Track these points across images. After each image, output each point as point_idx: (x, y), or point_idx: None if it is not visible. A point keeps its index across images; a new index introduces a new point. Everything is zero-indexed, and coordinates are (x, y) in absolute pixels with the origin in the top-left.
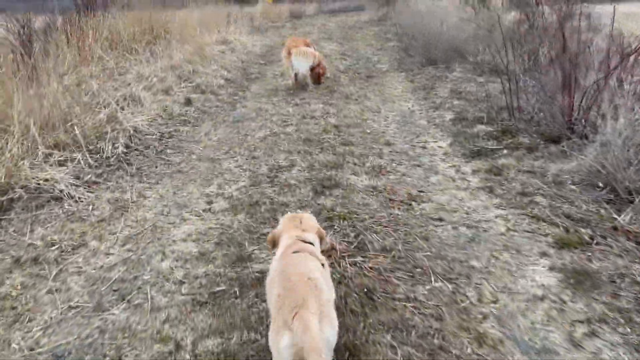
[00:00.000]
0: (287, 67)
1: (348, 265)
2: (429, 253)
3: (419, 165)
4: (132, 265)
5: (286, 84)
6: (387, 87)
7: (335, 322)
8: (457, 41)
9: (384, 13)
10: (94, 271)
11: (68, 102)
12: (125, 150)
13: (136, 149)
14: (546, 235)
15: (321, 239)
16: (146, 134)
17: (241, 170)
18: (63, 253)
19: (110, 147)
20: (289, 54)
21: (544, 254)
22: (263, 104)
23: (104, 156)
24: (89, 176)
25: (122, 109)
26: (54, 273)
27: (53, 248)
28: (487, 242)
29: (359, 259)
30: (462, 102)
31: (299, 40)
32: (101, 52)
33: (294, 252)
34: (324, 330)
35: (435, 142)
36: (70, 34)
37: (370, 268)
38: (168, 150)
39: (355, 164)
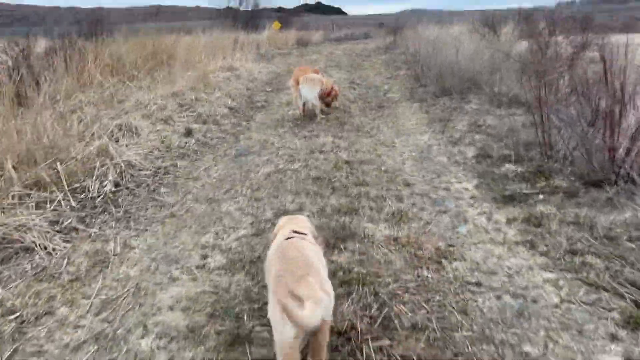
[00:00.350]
0: (295, 97)
1: (373, 354)
2: (470, 333)
3: (444, 212)
4: (106, 342)
5: (293, 113)
6: (400, 118)
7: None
8: (472, 71)
9: (391, 41)
10: (57, 351)
11: (55, 133)
12: (114, 189)
13: (127, 187)
14: (611, 309)
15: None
16: (140, 170)
17: (242, 215)
18: (23, 325)
19: (97, 186)
20: (297, 82)
21: (613, 337)
22: (268, 136)
23: (89, 196)
24: (69, 221)
25: (117, 140)
26: (5, 356)
27: (12, 317)
28: (540, 317)
29: (385, 342)
30: (483, 137)
31: (307, 69)
32: (100, 78)
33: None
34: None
35: (460, 183)
36: (70, 59)
37: (402, 358)
38: (162, 189)
39: (371, 209)
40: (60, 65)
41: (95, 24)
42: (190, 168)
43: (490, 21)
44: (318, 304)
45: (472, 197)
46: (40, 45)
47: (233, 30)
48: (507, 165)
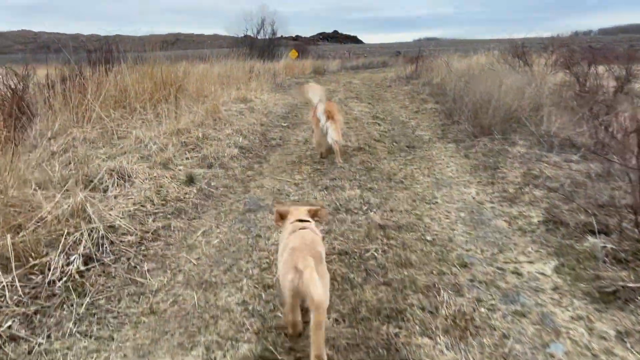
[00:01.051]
0: (318, 141)
1: None
2: None
3: (523, 315)
4: None
5: (312, 154)
6: (436, 162)
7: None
8: (513, 106)
9: (412, 70)
10: None
11: (25, 183)
12: (82, 268)
13: (101, 262)
14: None
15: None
16: (123, 234)
17: (245, 314)
18: None
19: (61, 263)
20: (318, 119)
21: None
22: (283, 184)
23: (48, 280)
24: (9, 324)
25: (105, 189)
26: None
27: None
28: None
29: None
30: (545, 193)
31: (332, 104)
32: (100, 112)
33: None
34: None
35: (532, 263)
36: (71, 90)
37: None
38: (146, 265)
39: (423, 309)
40: (58, 97)
41: (106, 51)
42: (187, 231)
43: (520, 51)
44: (313, 271)
45: (555, 289)
46: (41, 74)
47: (250, 58)
48: (590, 239)
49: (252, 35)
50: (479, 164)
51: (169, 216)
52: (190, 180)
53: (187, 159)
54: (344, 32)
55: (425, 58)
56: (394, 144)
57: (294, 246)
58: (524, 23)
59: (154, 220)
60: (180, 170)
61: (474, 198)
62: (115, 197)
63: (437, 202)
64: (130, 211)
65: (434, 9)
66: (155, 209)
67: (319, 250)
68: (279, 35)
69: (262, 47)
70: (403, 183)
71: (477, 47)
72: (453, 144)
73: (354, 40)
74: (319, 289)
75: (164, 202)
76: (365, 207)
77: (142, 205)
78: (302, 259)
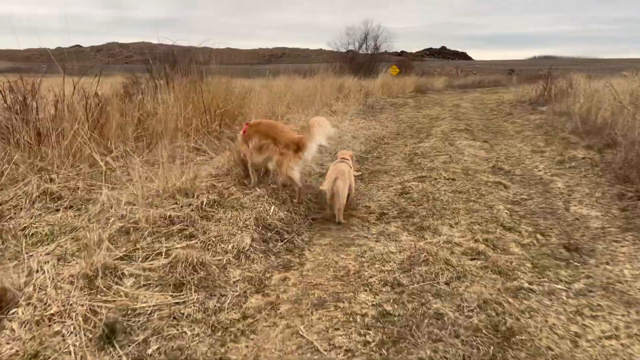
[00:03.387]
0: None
1: None
2: None
3: None
4: None
5: (386, 252)
6: (633, 288)
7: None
8: None
9: (541, 92)
10: None
11: None
12: None
13: None
14: None
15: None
16: None
17: None
18: None
19: None
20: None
21: None
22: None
23: None
24: None
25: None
26: None
27: None
28: None
29: None
30: None
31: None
32: (94, 148)
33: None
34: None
35: None
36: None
37: None
38: None
39: None
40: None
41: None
42: None
43: None
44: (340, 180)
45: None
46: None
47: (346, 74)
48: None
49: (354, 49)
50: None
51: None
52: (110, 335)
53: (149, 269)
54: (452, 48)
55: (557, 77)
56: (540, 238)
57: (333, 169)
58: None
59: None
60: (117, 298)
61: None
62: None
63: None
64: None
65: (551, 26)
66: None
67: (345, 173)
68: (382, 50)
69: (363, 62)
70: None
71: (604, 67)
72: None
73: (463, 56)
74: (340, 190)
75: None
76: None
77: None
78: (335, 175)
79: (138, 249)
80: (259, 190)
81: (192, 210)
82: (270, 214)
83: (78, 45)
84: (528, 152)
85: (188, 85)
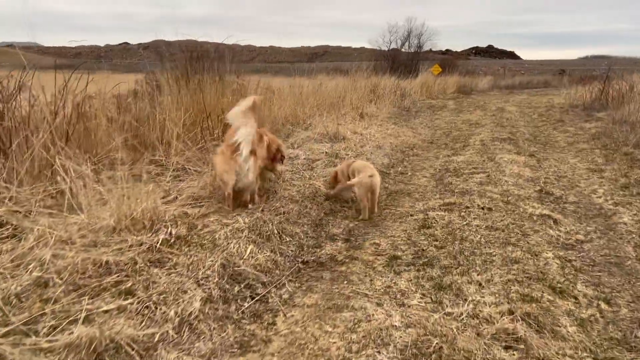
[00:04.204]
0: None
1: None
2: None
3: None
4: None
5: (387, 326)
6: None
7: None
8: None
9: (596, 96)
10: None
11: None
12: None
13: None
14: None
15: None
16: None
17: None
18: None
19: None
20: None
21: None
22: None
23: None
24: None
25: None
26: None
27: None
28: None
29: None
30: None
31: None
32: (61, 159)
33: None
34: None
35: None
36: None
37: None
38: None
39: None
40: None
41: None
42: None
43: None
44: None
45: None
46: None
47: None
48: None
49: (396, 48)
50: None
51: None
52: None
53: (47, 350)
54: (499, 47)
55: (612, 79)
56: (605, 310)
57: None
58: None
59: None
60: None
61: None
62: None
63: None
64: None
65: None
66: None
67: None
68: (427, 48)
69: (404, 61)
70: None
71: None
72: None
73: (510, 55)
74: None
75: None
76: None
77: None
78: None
79: (46, 313)
80: (241, 220)
81: (143, 252)
82: (246, 256)
83: (126, 43)
84: (583, 170)
85: (195, 86)
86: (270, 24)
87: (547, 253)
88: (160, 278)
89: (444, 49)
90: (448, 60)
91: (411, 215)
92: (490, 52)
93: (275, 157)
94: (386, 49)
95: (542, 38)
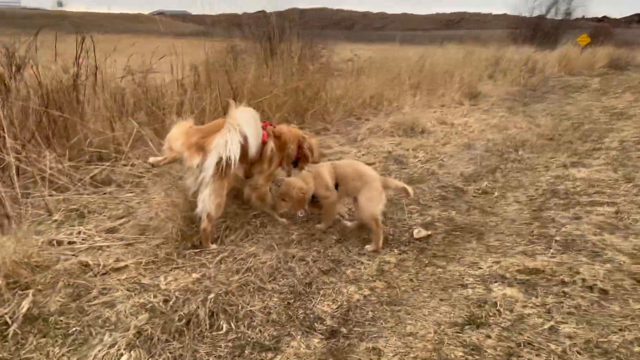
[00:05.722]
0: None
1: None
2: None
3: None
4: None
5: None
6: None
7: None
8: None
9: None
10: None
11: None
12: None
13: None
14: None
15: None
16: None
17: None
18: None
19: None
20: None
21: None
22: None
23: None
24: None
25: None
26: None
27: None
28: None
29: None
30: None
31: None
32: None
33: None
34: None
35: None
36: None
37: None
38: None
39: None
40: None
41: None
42: None
43: None
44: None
45: None
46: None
47: (524, 43)
48: None
49: (541, 15)
50: None
51: None
52: None
53: None
54: None
55: None
56: None
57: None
58: None
59: None
60: None
61: None
62: None
63: None
64: None
65: None
66: None
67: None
68: (578, 15)
69: (549, 29)
70: None
71: None
72: None
73: None
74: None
75: None
76: None
77: None
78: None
79: None
80: (162, 283)
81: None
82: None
83: (262, 11)
84: None
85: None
86: None
87: None
88: None
89: (599, 16)
90: (602, 29)
91: (463, 286)
92: None
93: (299, 156)
94: (528, 15)
95: None
